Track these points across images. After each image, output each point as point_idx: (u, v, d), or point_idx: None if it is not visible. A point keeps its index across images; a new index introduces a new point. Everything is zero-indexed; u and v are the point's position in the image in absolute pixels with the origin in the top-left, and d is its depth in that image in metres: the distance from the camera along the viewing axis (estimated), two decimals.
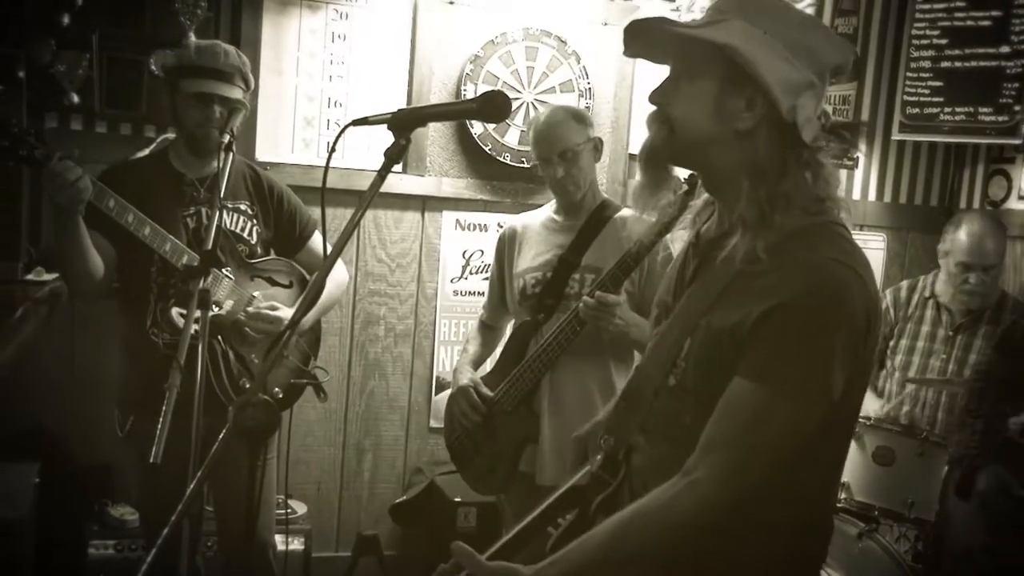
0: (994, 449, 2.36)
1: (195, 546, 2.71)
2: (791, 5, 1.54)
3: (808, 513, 1.53)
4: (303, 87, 3.56)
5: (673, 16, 3.80)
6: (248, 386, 2.62)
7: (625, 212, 2.73)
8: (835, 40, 1.52)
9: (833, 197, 1.47)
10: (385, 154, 1.56)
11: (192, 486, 1.59)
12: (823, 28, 1.53)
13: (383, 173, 1.56)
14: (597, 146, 2.73)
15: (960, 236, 3.48)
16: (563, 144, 2.64)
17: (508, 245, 2.87)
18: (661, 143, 1.51)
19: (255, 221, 2.74)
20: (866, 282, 1.42)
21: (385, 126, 1.58)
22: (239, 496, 2.28)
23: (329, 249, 1.66)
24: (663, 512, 1.41)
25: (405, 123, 1.58)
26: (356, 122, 1.59)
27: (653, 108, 1.53)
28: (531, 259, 2.76)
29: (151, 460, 1.98)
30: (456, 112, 1.79)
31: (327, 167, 1.60)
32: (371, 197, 1.57)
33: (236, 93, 2.59)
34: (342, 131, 1.59)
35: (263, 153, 3.48)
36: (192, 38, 3.26)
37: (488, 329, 3.02)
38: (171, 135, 2.91)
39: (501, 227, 3.88)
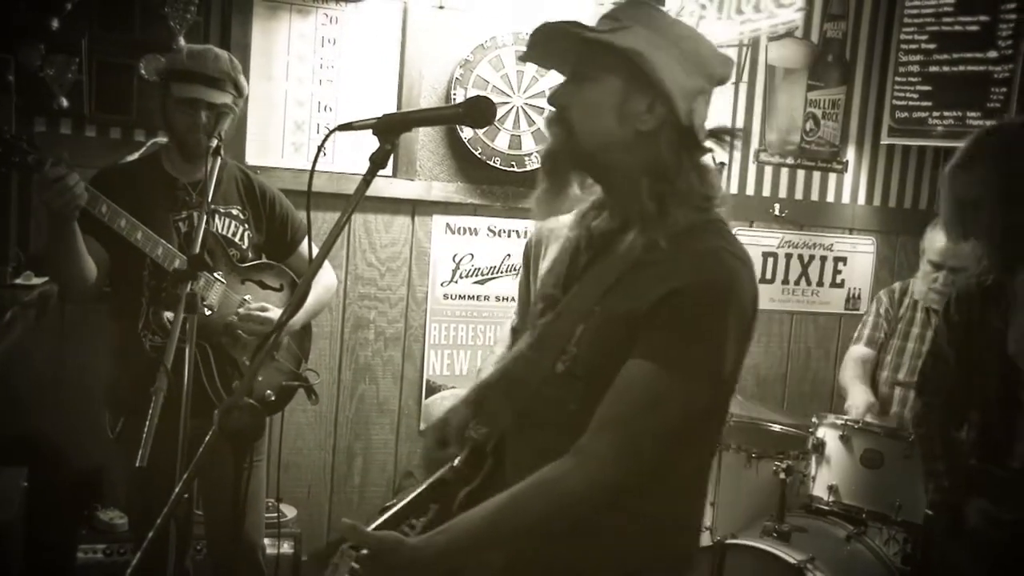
0: (966, 481, 2.37)
1: (184, 549, 2.71)
2: (678, 19, 1.61)
3: (683, 505, 1.59)
4: (293, 92, 3.57)
5: None
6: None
7: None
8: (718, 53, 1.59)
9: (718, 196, 1.56)
10: (370, 159, 1.57)
11: (177, 489, 1.60)
12: (706, 41, 1.60)
13: (368, 178, 1.57)
14: None
15: (936, 235, 3.50)
16: None
17: (534, 249, 2.88)
18: (562, 146, 1.56)
19: (247, 225, 2.75)
20: (751, 273, 1.51)
21: (370, 131, 1.60)
22: (226, 499, 2.29)
23: (311, 249, 1.68)
24: (553, 488, 1.44)
25: (390, 128, 1.59)
26: (341, 127, 1.60)
27: (551, 110, 1.57)
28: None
29: (137, 463, 1.99)
30: (441, 117, 1.81)
31: (312, 171, 1.61)
32: (356, 202, 1.57)
33: (225, 99, 2.59)
34: (327, 136, 1.61)
35: (253, 157, 3.48)
36: (182, 42, 3.26)
37: (517, 334, 3.02)
38: (162, 139, 2.91)
39: (492, 231, 3.92)
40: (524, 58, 1.66)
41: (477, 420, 1.66)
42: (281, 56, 3.55)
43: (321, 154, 1.62)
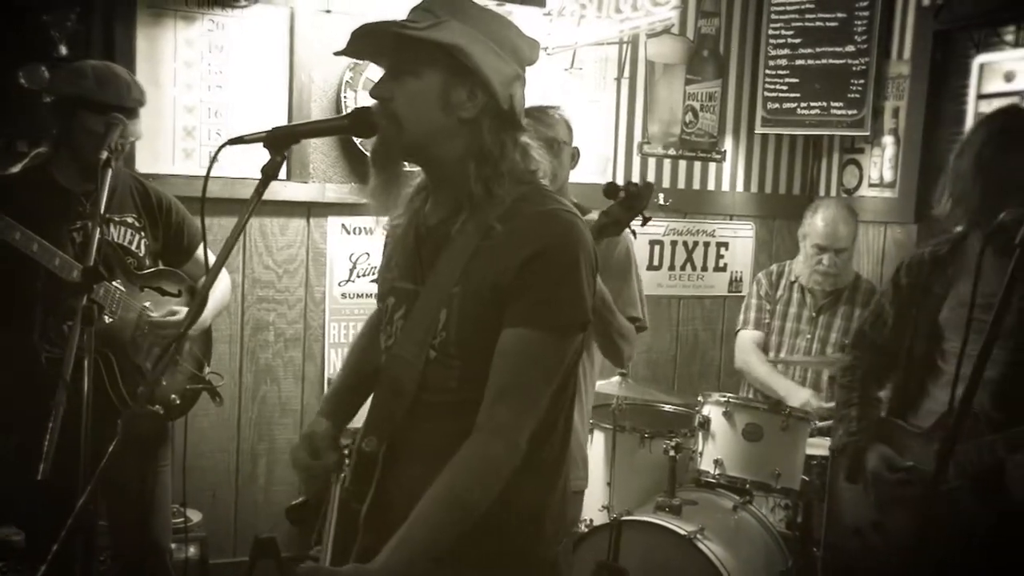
0: (871, 430, 2.55)
1: (89, 562, 2.71)
2: (486, 7, 1.70)
3: (561, 437, 1.71)
4: (182, 98, 3.57)
5: (546, 20, 3.96)
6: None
7: (594, 215, 2.71)
8: (526, 37, 1.70)
9: (539, 170, 1.68)
10: (262, 171, 1.64)
11: (82, 500, 1.62)
12: (515, 26, 1.70)
13: (261, 189, 1.63)
14: (575, 155, 2.82)
15: (816, 221, 3.75)
16: (550, 135, 2.67)
17: None
18: (393, 139, 1.64)
19: (143, 233, 2.77)
20: (584, 224, 1.64)
21: (261, 143, 1.67)
22: (133, 506, 2.32)
23: (212, 259, 1.73)
24: (481, 467, 1.55)
25: (280, 141, 1.66)
26: (232, 141, 1.65)
27: (375, 103, 1.65)
28: None
29: (39, 477, 2.01)
30: (328, 129, 1.88)
31: (206, 183, 1.67)
32: (250, 213, 1.65)
33: (137, 123, 2.64)
34: (219, 150, 1.63)
35: (144, 164, 3.47)
36: (63, 50, 3.24)
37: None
38: (44, 148, 2.89)
39: (387, 231, 3.97)
40: (341, 53, 1.72)
41: (365, 431, 1.69)
42: (168, 62, 3.54)
43: (214, 167, 1.68)
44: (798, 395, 3.68)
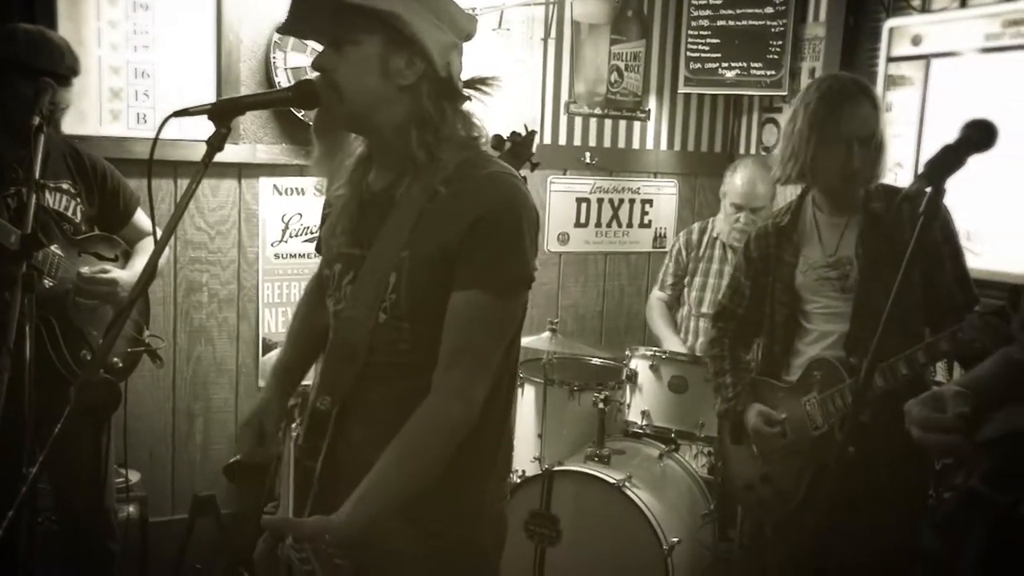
0: (746, 393, 2.74)
1: (32, 524, 2.73)
2: None
3: (507, 393, 1.80)
4: (107, 58, 3.52)
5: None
6: (89, 359, 2.67)
7: None
8: (462, 10, 1.77)
9: (481, 136, 1.76)
10: (207, 142, 1.69)
11: (36, 469, 1.65)
12: (453, 1, 1.76)
13: (207, 160, 1.68)
14: None
15: (735, 180, 3.90)
16: None
17: None
18: (335, 108, 1.69)
19: (78, 200, 2.76)
20: (525, 186, 1.73)
21: (206, 115, 1.71)
22: (84, 470, 2.35)
23: (155, 229, 1.78)
24: (439, 424, 1.63)
25: (225, 112, 1.70)
26: (177, 113, 1.70)
27: (317, 75, 1.70)
28: None
29: None
30: (272, 100, 1.91)
31: (152, 151, 1.72)
32: (196, 184, 1.70)
33: (69, 90, 2.63)
34: (164, 122, 1.67)
35: (70, 126, 3.39)
36: None
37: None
38: None
39: (319, 190, 4.00)
40: (283, 30, 1.77)
41: (319, 391, 1.76)
42: (91, 21, 3.48)
43: (145, 130, 1.71)
44: (672, 341, 3.97)
